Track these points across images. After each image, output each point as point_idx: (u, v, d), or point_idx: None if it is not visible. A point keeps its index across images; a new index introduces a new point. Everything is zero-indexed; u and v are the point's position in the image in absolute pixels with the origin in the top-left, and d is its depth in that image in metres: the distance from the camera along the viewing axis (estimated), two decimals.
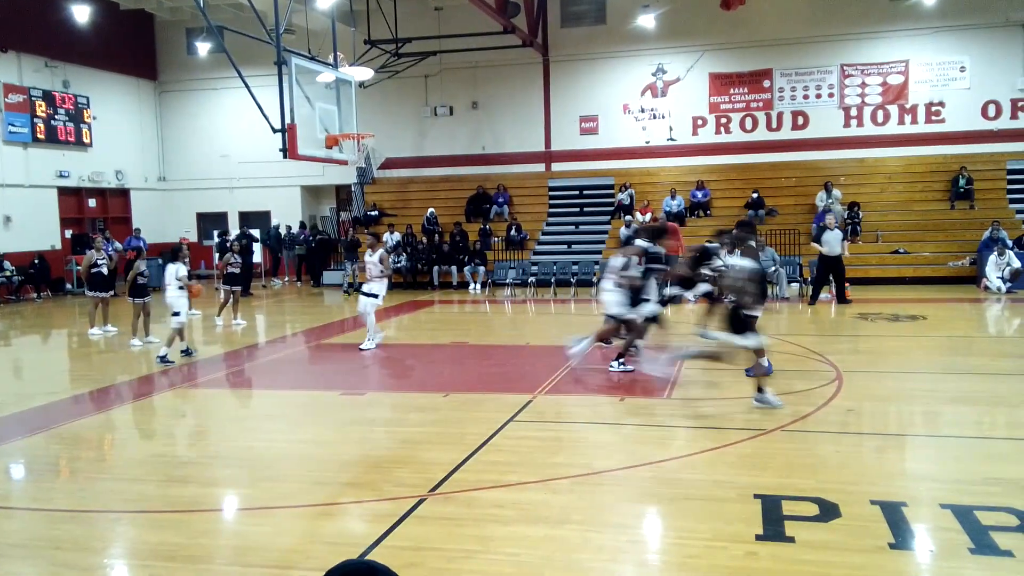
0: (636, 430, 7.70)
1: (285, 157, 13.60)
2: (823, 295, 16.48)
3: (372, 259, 12.42)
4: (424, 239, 22.95)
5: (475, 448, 6.81)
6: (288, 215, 26.10)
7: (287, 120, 13.17)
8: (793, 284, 18.06)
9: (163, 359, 11.42)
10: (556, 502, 5.57)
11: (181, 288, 11.84)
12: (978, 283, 18.13)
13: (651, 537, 5.17)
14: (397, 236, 22.68)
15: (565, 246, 22.53)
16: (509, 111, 24.86)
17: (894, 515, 5.06)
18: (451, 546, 4.87)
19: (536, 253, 22.49)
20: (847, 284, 16.33)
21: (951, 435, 7.27)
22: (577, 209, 23.76)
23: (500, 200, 24.15)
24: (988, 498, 5.32)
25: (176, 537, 5.16)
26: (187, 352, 12.00)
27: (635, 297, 10.02)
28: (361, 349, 12.21)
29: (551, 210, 24.13)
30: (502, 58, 23.79)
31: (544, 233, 23.40)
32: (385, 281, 12.50)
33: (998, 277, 17.56)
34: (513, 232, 22.80)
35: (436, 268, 22.06)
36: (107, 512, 5.67)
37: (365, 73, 20.24)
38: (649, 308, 10.15)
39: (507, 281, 20.76)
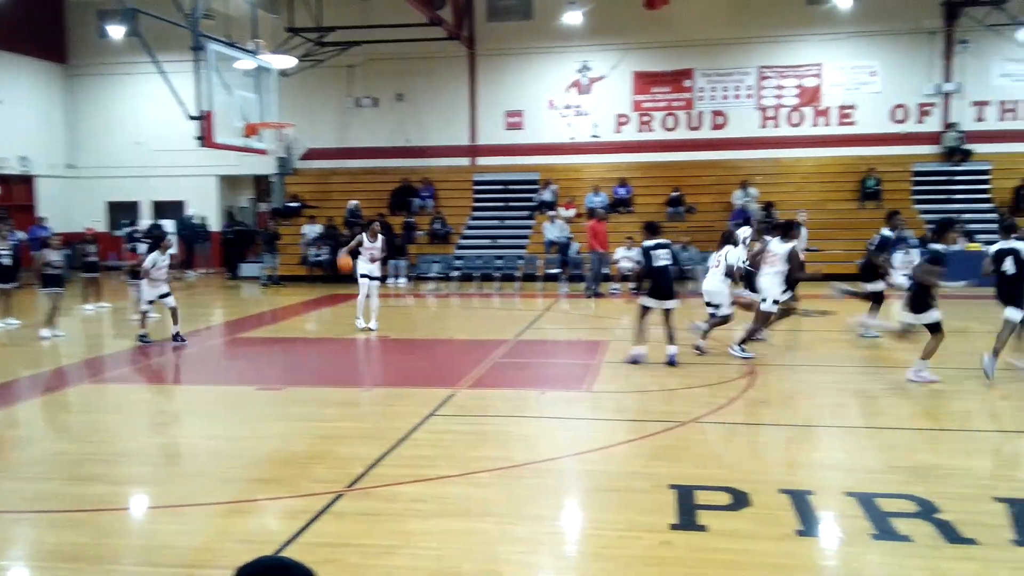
0: (557, 423, 7.76)
1: (202, 145, 13.22)
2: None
3: (376, 244, 13.38)
4: (347, 232, 22.63)
5: (395, 443, 6.76)
6: (204, 205, 25.39)
7: (204, 107, 12.80)
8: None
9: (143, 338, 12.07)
10: (477, 495, 5.57)
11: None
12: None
13: (568, 528, 5.22)
14: (318, 228, 22.32)
15: (490, 240, 22.54)
16: (435, 104, 24.72)
17: (802, 503, 5.24)
18: (370, 542, 4.82)
19: (460, 248, 22.45)
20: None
21: (856, 425, 7.56)
22: (502, 204, 23.80)
23: (424, 193, 24.00)
24: (889, 485, 5.56)
25: (80, 537, 4.96)
26: (144, 338, 12.15)
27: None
28: (370, 329, 13.12)
29: (476, 204, 24.11)
30: (428, 50, 23.63)
31: (468, 227, 23.38)
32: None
33: (903, 275, 18.31)
34: (437, 226, 22.71)
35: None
36: (6, 513, 5.41)
37: (287, 61, 19.84)
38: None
39: (431, 275, 20.67)
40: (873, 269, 12.27)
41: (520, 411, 8.20)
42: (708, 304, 10.84)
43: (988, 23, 20.50)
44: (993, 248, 9.50)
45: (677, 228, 20.83)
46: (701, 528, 4.92)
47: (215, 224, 25.44)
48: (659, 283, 9.78)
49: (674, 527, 4.93)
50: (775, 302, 10.45)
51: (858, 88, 22.89)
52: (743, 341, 10.43)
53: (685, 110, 23.65)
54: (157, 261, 12.04)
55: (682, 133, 23.68)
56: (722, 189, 22.62)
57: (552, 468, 6.21)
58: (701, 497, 5.39)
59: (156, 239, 13.22)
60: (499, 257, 21.30)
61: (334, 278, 21.48)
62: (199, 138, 12.99)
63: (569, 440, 7.06)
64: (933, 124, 22.67)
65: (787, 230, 10.66)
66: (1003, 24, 19.89)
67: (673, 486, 5.58)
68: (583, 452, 6.59)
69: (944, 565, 4.36)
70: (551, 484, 5.89)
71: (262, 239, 22.70)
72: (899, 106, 22.74)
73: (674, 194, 22.32)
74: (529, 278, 20.46)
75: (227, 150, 15.31)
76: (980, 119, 22.47)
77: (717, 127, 23.54)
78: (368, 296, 13.31)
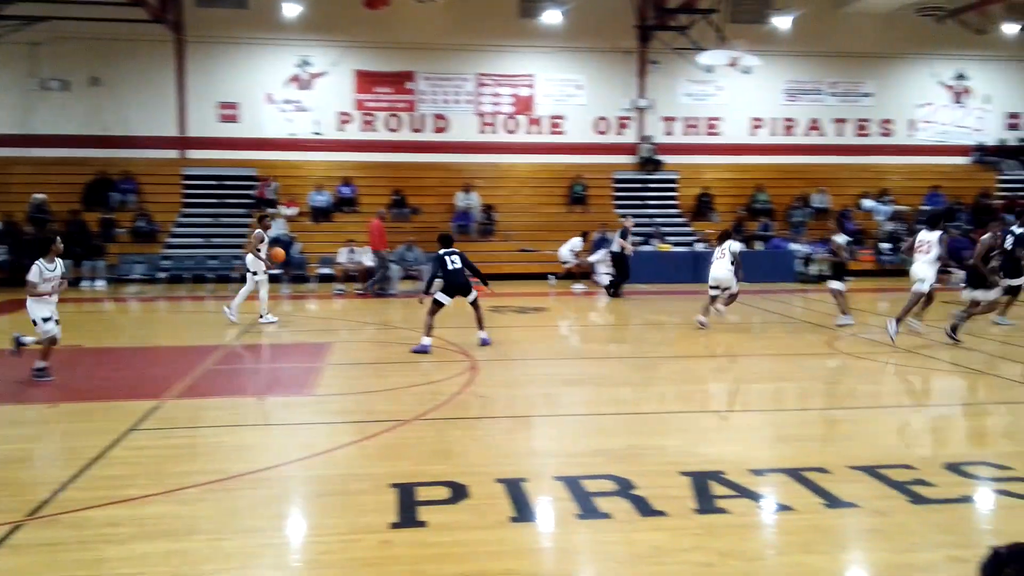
0: (277, 429, 7.45)
1: None
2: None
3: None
4: (32, 229, 20.09)
5: (87, 463, 6.07)
6: None
7: None
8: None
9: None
10: (183, 513, 5.16)
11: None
12: (590, 277, 20.45)
13: (286, 538, 5.00)
14: None
15: (202, 240, 21.19)
16: (137, 91, 22.76)
17: (516, 491, 5.46)
18: (52, 575, 4.27)
19: (168, 247, 20.88)
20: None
21: (566, 413, 8.06)
22: (216, 200, 22.47)
23: (125, 187, 21.98)
24: (593, 468, 5.97)
25: None
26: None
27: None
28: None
29: (186, 200, 22.56)
30: (129, 32, 21.71)
31: (178, 225, 21.81)
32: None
33: (606, 273, 19.94)
34: (142, 223, 20.90)
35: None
36: None
37: None
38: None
39: (133, 277, 18.96)
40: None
41: (236, 420, 7.76)
42: (714, 288, 13.24)
43: (674, 47, 22.95)
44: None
45: (402, 228, 20.99)
46: (421, 524, 4.95)
47: None
48: (454, 283, 11.13)
49: (394, 526, 4.91)
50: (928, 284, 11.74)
51: (566, 100, 24.58)
52: (899, 320, 11.60)
53: (408, 112, 23.92)
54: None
55: (405, 134, 23.93)
56: (445, 191, 23.17)
57: (270, 477, 5.92)
58: (422, 493, 5.43)
59: None
60: (213, 257, 20.09)
61: (14, 281, 18.97)
62: None
63: (289, 447, 6.79)
64: (630, 136, 24.95)
65: (935, 221, 12.11)
66: (687, 48, 22.37)
67: (394, 485, 5.56)
68: (304, 458, 6.37)
69: (638, 537, 4.76)
70: (269, 494, 5.61)
71: None
72: (602, 118, 24.74)
73: (395, 197, 22.43)
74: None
75: None
76: (669, 133, 25.11)
77: (439, 130, 24.08)
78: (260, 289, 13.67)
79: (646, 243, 21.77)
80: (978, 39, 24.31)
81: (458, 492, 5.45)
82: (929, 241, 11.58)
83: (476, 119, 24.26)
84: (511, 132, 24.48)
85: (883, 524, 4.97)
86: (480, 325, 11.43)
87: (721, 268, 13.11)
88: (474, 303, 11.39)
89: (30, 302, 9.04)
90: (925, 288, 11.55)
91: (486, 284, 12.00)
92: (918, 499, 5.33)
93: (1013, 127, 26.47)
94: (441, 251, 11.30)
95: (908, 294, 11.85)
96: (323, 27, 22.96)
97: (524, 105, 24.45)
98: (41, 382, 8.94)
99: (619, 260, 18.16)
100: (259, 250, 13.49)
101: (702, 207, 23.79)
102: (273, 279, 19.13)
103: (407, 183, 23.09)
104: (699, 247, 21.59)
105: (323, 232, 21.55)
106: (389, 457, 6.35)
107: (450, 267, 11.14)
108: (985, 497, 5.57)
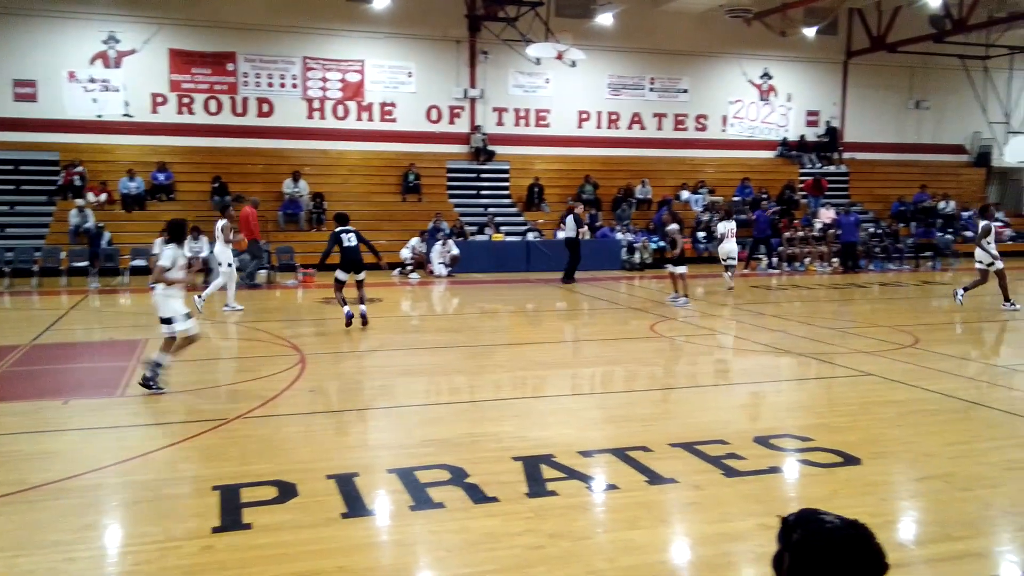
0: (85, 434, 6.88)
1: None
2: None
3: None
4: None
5: None
6: None
7: None
8: (261, 271, 18.08)
9: None
10: None
11: None
12: (424, 267, 20.37)
13: (95, 551, 4.63)
14: None
15: None
16: None
17: (347, 486, 5.34)
18: None
19: None
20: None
21: (399, 405, 7.97)
22: (12, 187, 20.49)
23: None
24: (426, 458, 5.94)
25: None
26: None
27: None
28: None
29: None
30: None
31: None
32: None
33: (440, 263, 19.96)
34: None
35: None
36: None
37: None
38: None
39: None
40: None
41: (37, 426, 7.09)
42: (726, 260, 16.99)
43: (504, 38, 23.20)
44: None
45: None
46: (246, 526, 4.73)
47: None
48: (348, 259, 11.85)
49: (217, 530, 4.67)
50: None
51: (397, 87, 24.28)
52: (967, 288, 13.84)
53: (229, 95, 22.78)
54: None
55: (226, 118, 22.78)
56: (271, 178, 22.29)
57: (77, 486, 5.47)
58: (247, 494, 5.20)
59: None
60: (9, 249, 18.30)
61: None
62: None
63: (99, 452, 6.29)
64: (462, 126, 25.01)
65: (984, 211, 14.78)
66: (516, 40, 22.67)
67: (217, 487, 5.29)
68: (116, 464, 5.93)
69: (471, 524, 4.78)
70: (75, 504, 5.18)
71: None
72: (433, 107, 24.64)
73: (215, 185, 21.34)
74: (50, 272, 17.90)
75: None
76: (500, 124, 25.38)
77: (263, 115, 23.12)
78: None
79: (480, 232, 21.98)
80: (782, 41, 26.20)
81: (286, 491, 5.26)
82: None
83: (303, 104, 23.48)
84: (340, 118, 23.89)
85: (700, 497, 5.26)
86: (361, 301, 12.05)
87: (729, 245, 16.89)
88: (360, 283, 12.15)
89: (163, 295, 8.03)
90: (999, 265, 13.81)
91: (379, 259, 12.76)
92: (731, 472, 5.69)
93: (812, 124, 28.77)
94: (337, 228, 12.04)
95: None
96: (133, 1, 21.43)
97: (353, 91, 23.93)
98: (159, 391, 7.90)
99: (572, 245, 18.62)
100: (230, 240, 13.72)
101: (533, 197, 24.28)
102: (80, 272, 17.78)
103: (229, 170, 22.00)
104: (531, 236, 22.03)
105: (136, 222, 20.15)
106: (211, 458, 6.04)
107: (345, 244, 11.86)
108: (790, 467, 6.03)
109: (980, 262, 13.85)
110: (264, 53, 22.97)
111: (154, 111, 22.19)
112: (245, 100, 22.92)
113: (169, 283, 7.97)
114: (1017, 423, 7.07)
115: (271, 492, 5.25)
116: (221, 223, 13.90)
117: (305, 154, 23.14)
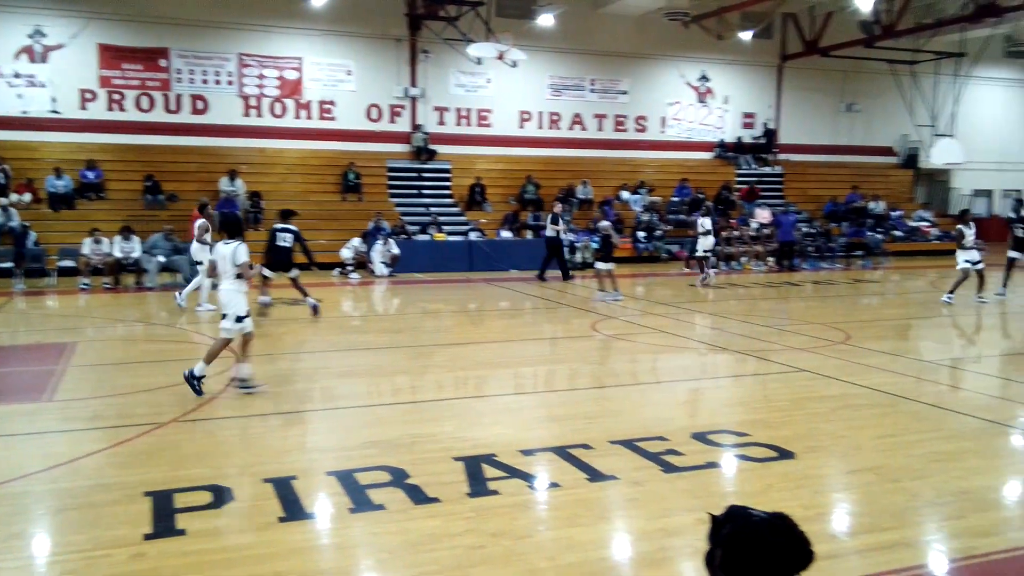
0: (9, 441, 6.63)
1: None
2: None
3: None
4: None
5: None
6: None
7: None
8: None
9: None
10: None
11: None
12: (365, 267, 20.15)
13: (18, 561, 4.45)
14: None
15: None
16: None
17: (285, 489, 5.24)
18: None
19: None
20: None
21: (339, 407, 7.88)
22: None
23: None
24: (366, 460, 5.88)
25: None
26: None
27: None
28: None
29: None
30: None
31: None
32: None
33: (382, 262, 19.78)
34: None
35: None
36: None
37: None
38: None
39: None
40: None
41: None
42: (704, 253, 18.03)
43: (445, 37, 23.11)
44: None
45: (158, 217, 19.51)
46: (179, 532, 4.61)
47: None
48: (278, 258, 12.32)
49: (148, 537, 4.54)
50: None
51: (336, 85, 23.97)
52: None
53: (161, 91, 22.19)
54: None
55: (159, 115, 22.19)
56: (206, 177, 21.78)
57: (2, 494, 5.26)
58: (180, 500, 5.07)
59: None
60: None
61: None
62: None
63: (24, 459, 6.06)
64: (403, 125, 24.82)
65: (964, 214, 15.49)
66: (456, 39, 22.60)
67: (148, 493, 5.15)
68: (41, 471, 5.72)
69: (412, 525, 4.75)
70: (1, 513, 4.98)
71: None
72: (374, 105, 24.41)
73: (148, 183, 20.78)
74: None
75: None
76: (441, 123, 25.26)
77: (198, 112, 22.59)
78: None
79: (423, 232, 21.85)
80: (718, 44, 26.66)
81: (221, 496, 5.14)
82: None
83: (239, 101, 23.00)
84: (278, 116, 23.49)
85: (639, 493, 5.31)
86: (304, 294, 12.54)
87: (707, 242, 18.05)
88: (294, 280, 12.56)
89: (232, 291, 7.80)
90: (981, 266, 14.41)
91: (312, 262, 13.55)
92: (669, 468, 5.76)
93: (748, 126, 29.34)
94: (276, 225, 12.39)
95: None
96: None
97: (291, 89, 23.55)
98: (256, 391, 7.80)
99: (553, 244, 18.79)
100: (205, 240, 13.43)
101: (475, 197, 24.24)
102: (4, 274, 17.12)
103: (162, 168, 21.44)
104: (473, 236, 21.98)
105: (63, 221, 19.48)
106: (143, 463, 5.87)
107: (277, 243, 12.26)
108: (727, 462, 6.13)
109: (968, 261, 14.38)
110: (198, 49, 22.45)
111: (83, 107, 21.50)
112: (179, 97, 22.36)
113: (250, 279, 8.06)
114: (943, 416, 7.32)
115: (206, 497, 5.12)
116: (199, 222, 13.75)
117: (241, 152, 22.70)
